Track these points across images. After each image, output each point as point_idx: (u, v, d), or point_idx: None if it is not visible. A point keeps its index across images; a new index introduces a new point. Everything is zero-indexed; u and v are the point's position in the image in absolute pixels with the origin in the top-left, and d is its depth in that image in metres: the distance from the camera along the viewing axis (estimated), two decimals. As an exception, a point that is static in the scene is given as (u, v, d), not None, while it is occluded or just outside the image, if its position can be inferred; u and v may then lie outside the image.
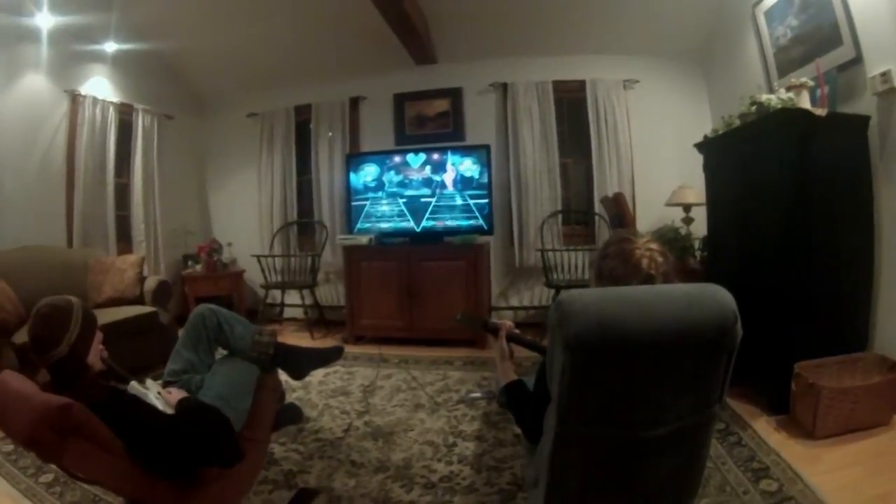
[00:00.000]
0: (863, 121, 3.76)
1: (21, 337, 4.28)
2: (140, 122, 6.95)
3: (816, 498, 2.65)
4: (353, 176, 6.79)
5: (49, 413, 2.16)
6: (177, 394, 2.95)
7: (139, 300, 5.62)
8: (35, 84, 5.76)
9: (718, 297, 1.74)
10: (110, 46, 6.46)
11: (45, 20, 5.57)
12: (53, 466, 3.08)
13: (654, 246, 2.11)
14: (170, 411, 2.77)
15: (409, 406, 4.35)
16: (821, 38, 4.21)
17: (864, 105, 3.84)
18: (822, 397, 3.24)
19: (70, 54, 6.11)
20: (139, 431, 2.52)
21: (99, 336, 2.72)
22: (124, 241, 6.86)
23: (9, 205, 5.49)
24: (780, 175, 3.62)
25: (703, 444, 1.98)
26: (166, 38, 6.70)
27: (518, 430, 2.98)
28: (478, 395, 4.49)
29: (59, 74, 5.99)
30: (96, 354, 2.70)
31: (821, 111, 3.61)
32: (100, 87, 6.51)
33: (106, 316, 4.58)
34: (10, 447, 3.64)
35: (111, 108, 6.52)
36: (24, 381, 2.49)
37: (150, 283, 5.77)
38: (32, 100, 5.75)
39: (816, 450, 3.21)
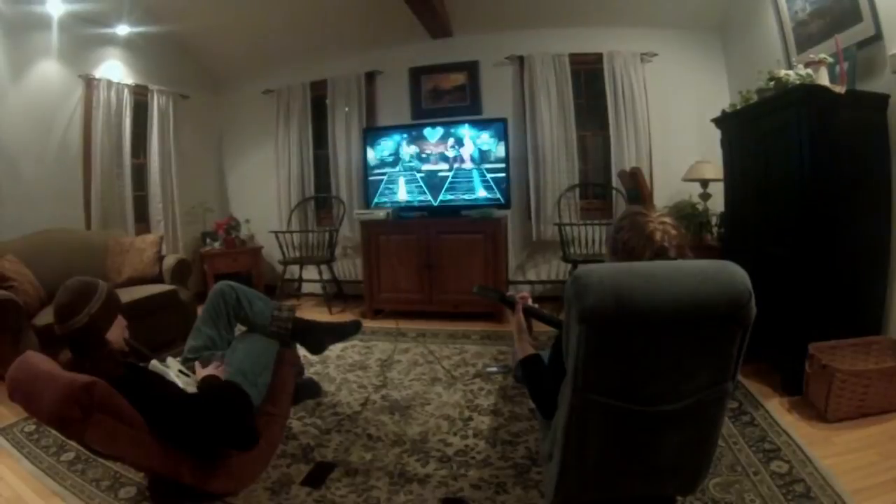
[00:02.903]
0: (882, 99, 3.68)
1: (42, 319, 4.35)
2: (155, 103, 6.98)
3: (826, 481, 2.65)
4: (369, 150, 6.79)
5: (76, 391, 2.22)
6: (212, 369, 2.99)
7: (159, 279, 5.67)
8: (49, 70, 5.79)
9: (733, 273, 1.75)
10: (123, 30, 6.46)
11: (55, 7, 5.59)
12: (75, 445, 3.15)
13: (667, 219, 2.13)
14: (191, 389, 2.82)
15: (426, 380, 4.38)
16: (840, 14, 4.13)
17: (884, 83, 3.76)
18: (835, 379, 3.22)
19: (82, 39, 6.12)
20: (159, 407, 2.57)
21: (122, 321, 2.78)
22: (142, 221, 6.92)
23: (28, 190, 5.55)
24: (798, 152, 3.55)
25: (715, 421, 2.00)
26: (179, 18, 6.68)
27: (533, 405, 3.00)
28: (494, 369, 4.51)
29: (73, 60, 6.03)
30: (119, 334, 2.75)
31: (840, 88, 3.55)
32: (114, 70, 6.54)
33: (126, 295, 4.61)
34: (32, 427, 3.70)
35: (126, 91, 6.55)
36: (48, 361, 2.55)
37: (169, 262, 5.81)
38: (47, 86, 5.79)
39: (828, 432, 3.20)
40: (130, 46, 6.71)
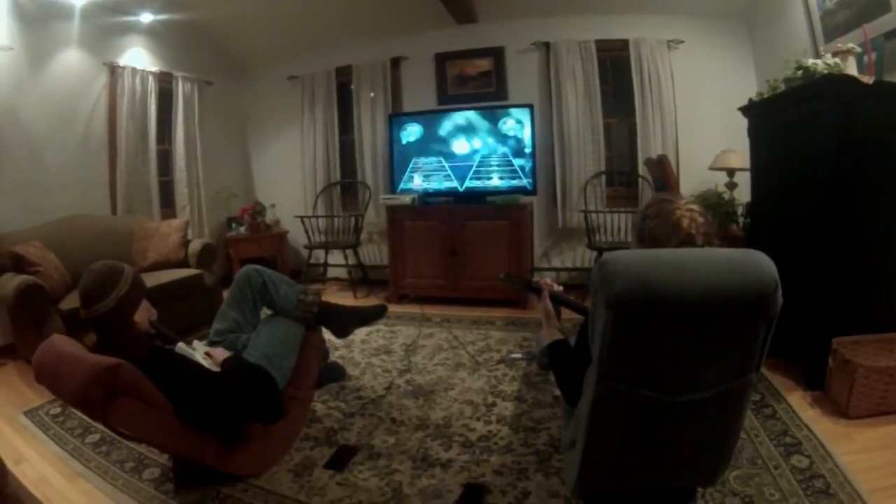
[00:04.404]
0: (911, 91, 3.58)
1: (68, 304, 4.41)
2: (180, 90, 7.02)
3: (846, 478, 2.62)
4: (395, 136, 6.80)
5: (101, 373, 2.24)
6: (222, 352, 3.01)
7: (184, 263, 5.72)
8: (73, 59, 5.84)
9: (760, 263, 1.73)
10: (146, 17, 6.49)
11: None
12: (100, 426, 3.18)
13: (694, 207, 2.11)
14: (216, 370, 2.84)
15: (450, 365, 4.39)
16: (868, 3, 4.06)
17: (913, 75, 3.68)
18: (857, 375, 3.18)
19: (106, 27, 6.16)
20: (185, 388, 2.60)
21: (147, 304, 2.81)
22: (168, 206, 6.98)
23: (54, 177, 5.61)
24: (825, 143, 3.49)
25: (738, 411, 1.99)
26: (202, 5, 6.70)
27: (557, 392, 2.99)
28: (518, 355, 4.51)
29: (97, 48, 6.07)
30: (144, 317, 2.77)
31: (867, 79, 3.44)
32: (138, 57, 6.58)
33: (151, 279, 4.63)
34: (58, 410, 3.76)
35: (150, 78, 6.60)
36: (74, 344, 2.58)
37: (195, 246, 5.85)
38: (72, 74, 5.84)
39: (849, 429, 3.16)
40: (154, 34, 6.75)
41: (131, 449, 3.18)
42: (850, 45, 3.71)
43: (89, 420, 3.39)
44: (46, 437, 3.40)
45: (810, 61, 3.75)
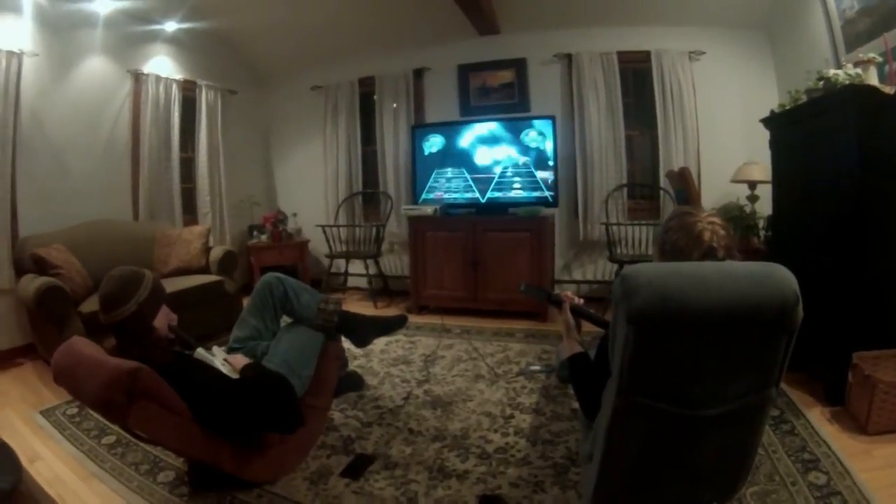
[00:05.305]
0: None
1: (88, 306, 4.46)
2: (203, 98, 7.08)
3: (863, 495, 2.59)
4: (417, 147, 6.81)
5: (121, 376, 2.27)
6: (241, 359, 3.02)
7: (205, 270, 5.75)
8: (98, 66, 5.93)
9: (781, 277, 1.72)
10: (170, 26, 6.56)
11: (103, 5, 5.68)
12: (116, 428, 3.21)
13: (716, 219, 2.11)
14: (235, 377, 2.84)
15: (469, 376, 4.37)
16: (888, 11, 4.01)
17: (935, 84, 3.62)
18: (877, 390, 3.14)
19: (130, 36, 6.24)
20: (204, 394, 2.61)
21: (167, 309, 2.82)
22: (190, 213, 7.04)
23: (77, 182, 5.69)
24: (847, 154, 3.43)
25: (757, 426, 1.98)
26: (226, 15, 6.72)
27: (575, 405, 2.96)
28: (537, 368, 4.48)
29: (122, 55, 6.15)
30: (163, 322, 2.79)
31: (889, 88, 3.41)
32: (162, 65, 6.66)
33: (172, 285, 4.66)
34: (74, 410, 3.81)
35: (174, 86, 6.67)
36: (94, 347, 2.60)
37: (216, 253, 5.88)
38: (97, 81, 5.92)
39: (868, 445, 3.12)
40: (178, 42, 6.82)
41: (147, 451, 3.21)
42: (871, 54, 3.68)
43: (106, 422, 3.42)
44: (62, 437, 3.45)
45: (831, 72, 3.72)
